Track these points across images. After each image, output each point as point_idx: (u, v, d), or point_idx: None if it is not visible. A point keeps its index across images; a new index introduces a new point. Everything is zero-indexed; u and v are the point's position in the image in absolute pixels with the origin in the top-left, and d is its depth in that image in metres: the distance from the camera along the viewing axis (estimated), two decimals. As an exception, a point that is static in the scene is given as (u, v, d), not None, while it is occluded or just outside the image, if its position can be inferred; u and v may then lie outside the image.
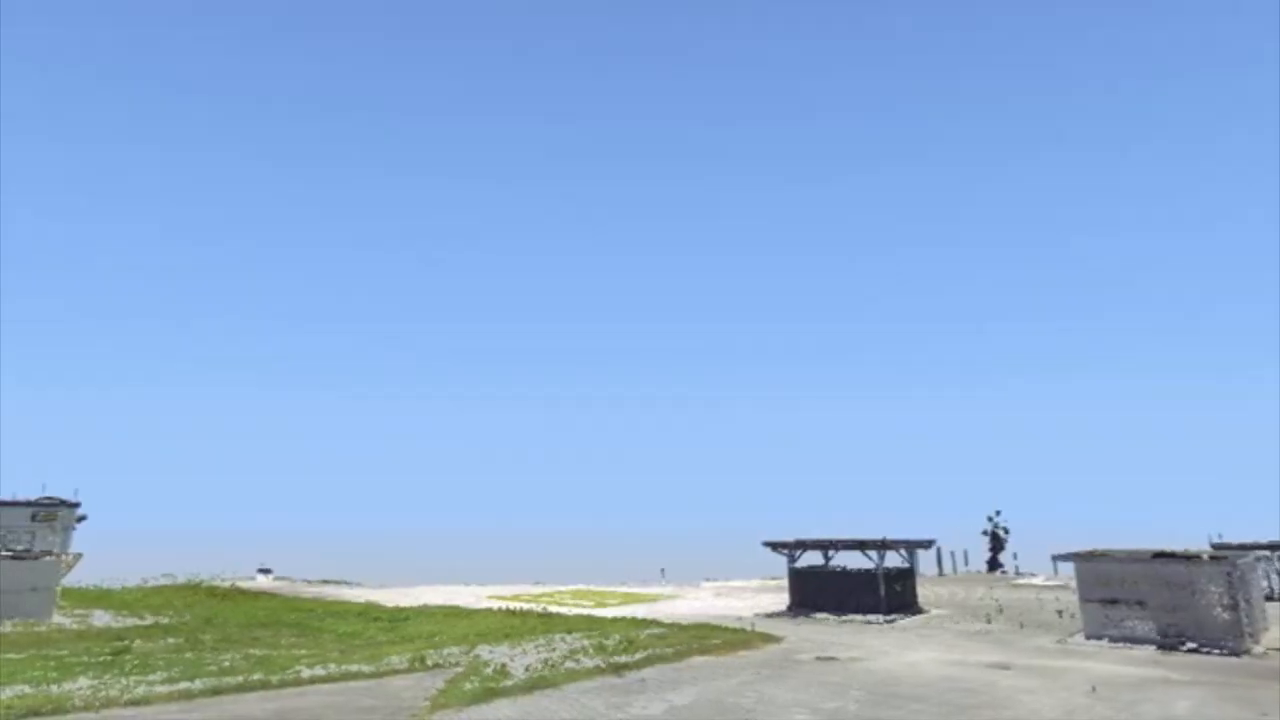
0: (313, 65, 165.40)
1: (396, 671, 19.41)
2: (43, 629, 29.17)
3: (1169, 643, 22.25)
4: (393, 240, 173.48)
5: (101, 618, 32.80)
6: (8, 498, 37.40)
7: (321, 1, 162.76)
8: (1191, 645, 21.97)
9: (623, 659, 20.71)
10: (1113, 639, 23.32)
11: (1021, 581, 49.89)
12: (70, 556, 34.94)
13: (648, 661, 20.52)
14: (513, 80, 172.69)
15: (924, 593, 40.97)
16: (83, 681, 18.38)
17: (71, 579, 52.26)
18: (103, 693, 16.98)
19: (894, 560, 32.80)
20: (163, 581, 54.85)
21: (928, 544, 32.60)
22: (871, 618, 29.45)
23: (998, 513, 64.15)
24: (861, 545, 30.95)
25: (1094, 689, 16.73)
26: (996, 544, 63.47)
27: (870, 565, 31.98)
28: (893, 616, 29.63)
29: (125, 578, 55.91)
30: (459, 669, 19.57)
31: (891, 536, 32.03)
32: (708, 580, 55.81)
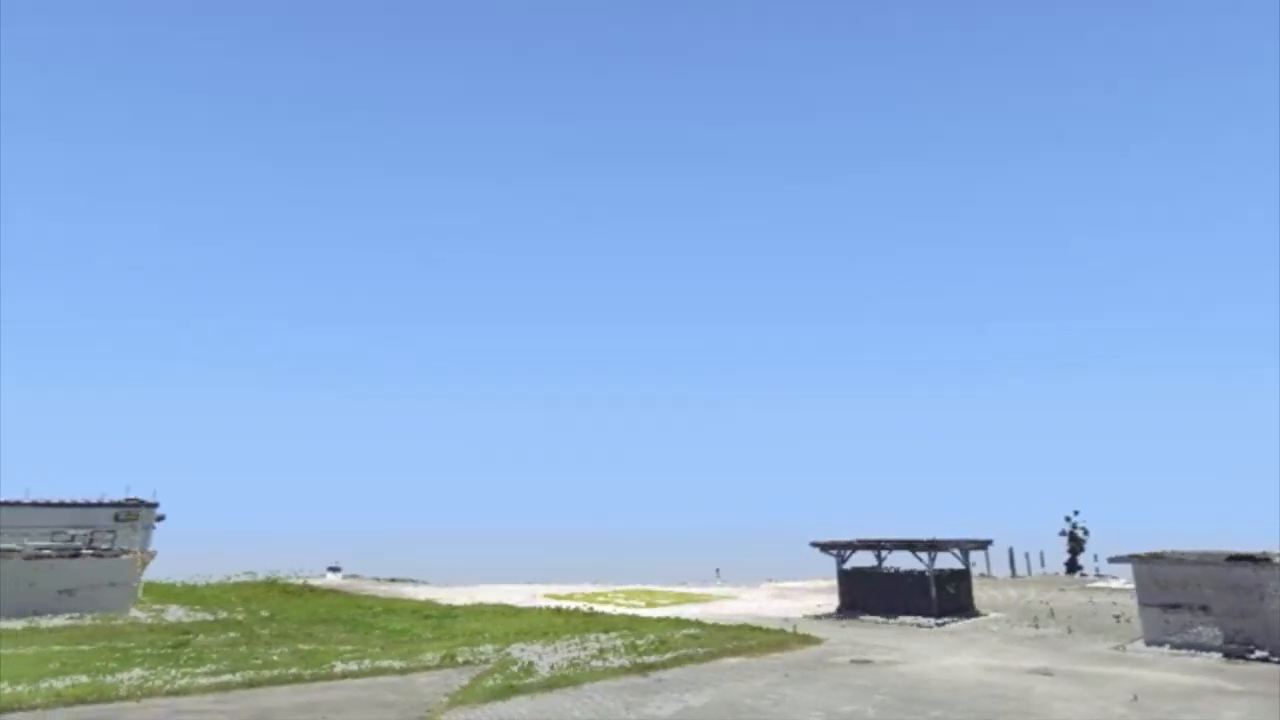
0: (313, 65, 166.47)
1: (426, 668, 19.82)
2: (119, 622, 30.90)
3: (1235, 650, 20.86)
4: (393, 240, 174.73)
5: (175, 613, 34.57)
6: (94, 498, 39.85)
7: (321, 1, 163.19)
8: (1261, 654, 20.53)
9: (652, 659, 20.64)
10: (1174, 646, 22.01)
11: (1098, 584, 47.58)
12: (145, 554, 36.95)
13: (676, 662, 20.40)
14: (513, 80, 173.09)
15: (988, 595, 39.58)
16: (136, 672, 19.39)
17: (160, 575, 55.51)
18: (150, 683, 17.88)
19: (949, 561, 31.79)
20: (244, 579, 57.62)
21: (983, 544, 31.40)
22: (922, 620, 28.56)
23: (1076, 513, 61.41)
24: (910, 545, 30.05)
25: (1135, 698, 15.81)
26: (1075, 545, 60.75)
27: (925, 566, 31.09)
28: (944, 619, 28.67)
29: (211, 574, 59.03)
30: (487, 666, 19.86)
31: (946, 537, 31.07)
32: (769, 581, 55.19)
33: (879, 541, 31.26)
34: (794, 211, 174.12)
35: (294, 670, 19.35)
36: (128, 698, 16.50)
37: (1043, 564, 61.06)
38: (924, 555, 29.69)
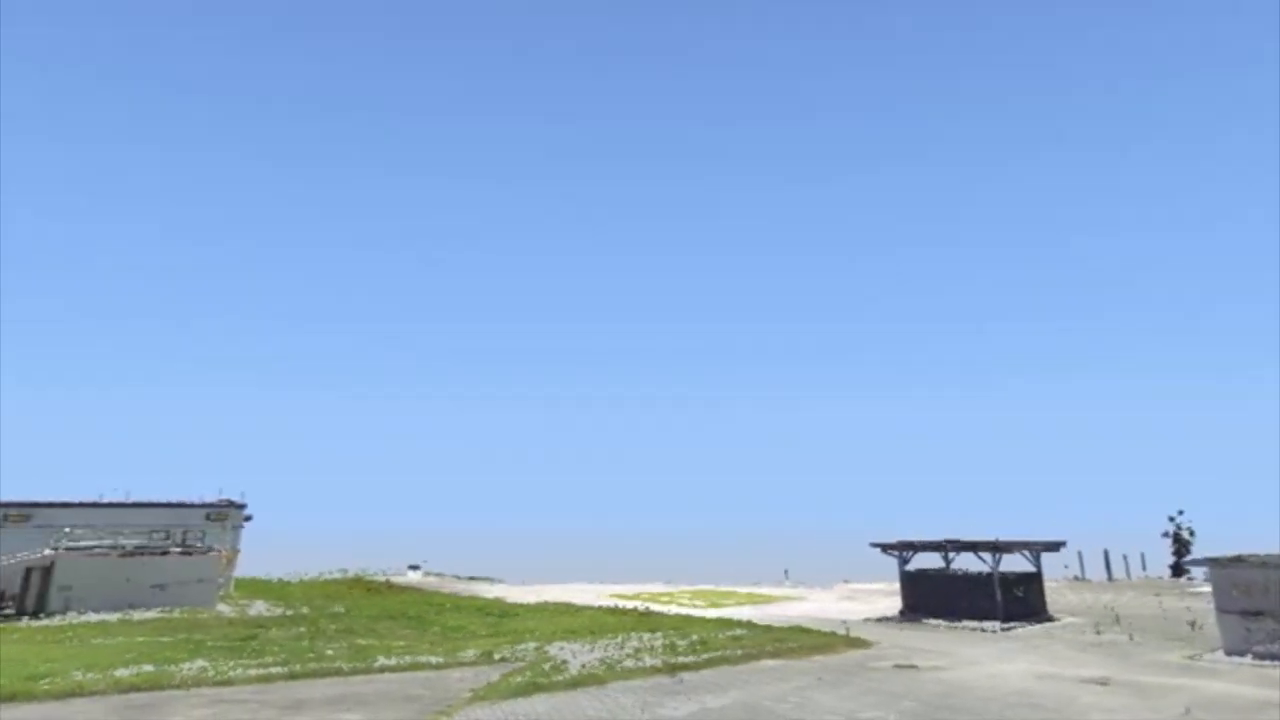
0: (313, 65, 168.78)
1: (462, 664, 20.25)
2: (204, 616, 32.88)
3: (1326, 662, 19.06)
4: (393, 240, 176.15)
5: (258, 608, 36.51)
6: (188, 499, 42.55)
7: (321, 1, 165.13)
8: (1355, 666, 18.71)
9: (686, 659, 20.48)
10: (1258, 656, 20.28)
11: (1204, 589, 44.35)
12: (230, 551, 39.17)
13: (710, 663, 20.17)
14: (513, 80, 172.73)
15: (1074, 599, 37.56)
16: (199, 663, 20.56)
17: (260, 571, 58.79)
18: (206, 674, 18.93)
19: (1020, 564, 30.31)
20: (336, 576, 60.36)
21: (1055, 546, 29.71)
22: (986, 625, 27.31)
23: (1180, 513, 57.67)
24: (973, 547, 28.78)
25: (1187, 710, 14.65)
26: (1180, 547, 56.90)
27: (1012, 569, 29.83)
28: (1011, 624, 27.31)
29: (306, 572, 62.12)
30: (521, 663, 20.13)
31: (1016, 538, 29.61)
32: (844, 582, 53.98)
33: (941, 542, 30.06)
34: (794, 211, 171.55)
35: (339, 664, 20.14)
36: (178, 686, 17.52)
37: (1144, 567, 57.50)
38: (988, 556, 28.36)
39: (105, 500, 40.05)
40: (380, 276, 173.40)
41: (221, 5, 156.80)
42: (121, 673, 18.87)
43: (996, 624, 27.24)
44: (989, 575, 28.44)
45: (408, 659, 20.78)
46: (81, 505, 39.27)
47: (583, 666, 19.55)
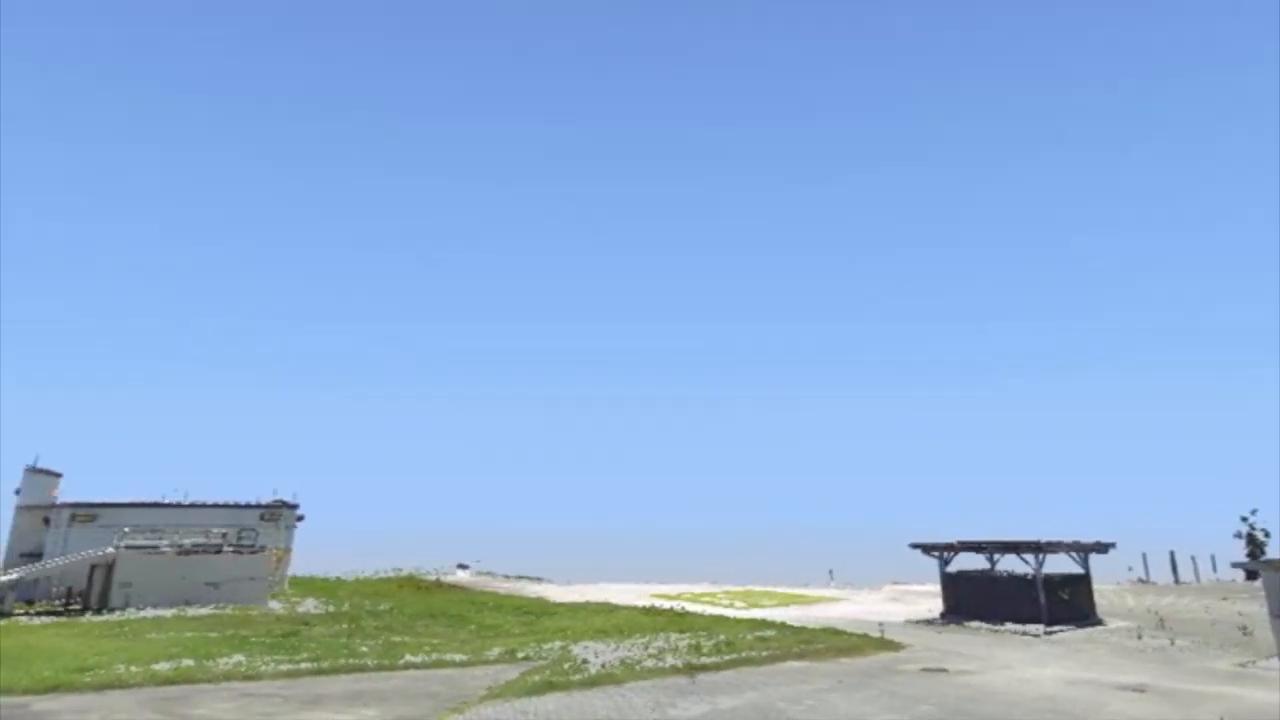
0: (313, 65, 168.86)
1: (486, 662, 20.51)
2: (255, 612, 34.01)
3: (1388, 671, 17.91)
4: (393, 240, 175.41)
5: (307, 605, 37.57)
6: (243, 500, 44.08)
7: (321, 1, 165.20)
8: None
9: (708, 660, 20.36)
10: (1315, 664, 19.19)
11: (1277, 593, 42.09)
12: (280, 550, 40.41)
13: (733, 664, 20.01)
14: (513, 80, 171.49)
15: (1132, 602, 36.14)
16: (237, 658, 21.28)
17: (319, 570, 60.54)
18: (240, 668, 19.58)
19: (1068, 565, 29.29)
20: (390, 575, 61.81)
21: (1104, 547, 28.58)
22: (1029, 628, 26.44)
23: (1253, 512, 54.82)
24: (1015, 548, 27.88)
25: (1220, 721, 13.95)
26: (1255, 549, 54.09)
27: (1058, 570, 28.93)
28: (1056, 628, 26.38)
29: (362, 570, 63.83)
30: (542, 662, 20.28)
31: (1060, 539, 28.62)
32: (893, 584, 52.98)
33: (982, 543, 29.20)
34: (794, 211, 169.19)
35: (366, 660, 20.60)
36: (210, 680, 18.15)
37: (1214, 569, 54.88)
38: (1030, 558, 27.46)
39: (165, 501, 41.77)
40: (380, 276, 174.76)
41: (221, 5, 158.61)
42: (161, 666, 19.65)
43: (1040, 628, 26.35)
44: (1032, 577, 27.52)
45: (433, 656, 21.15)
46: (144, 506, 41.04)
47: (603, 666, 19.60)
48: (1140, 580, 53.35)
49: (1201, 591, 44.22)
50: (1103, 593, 40.77)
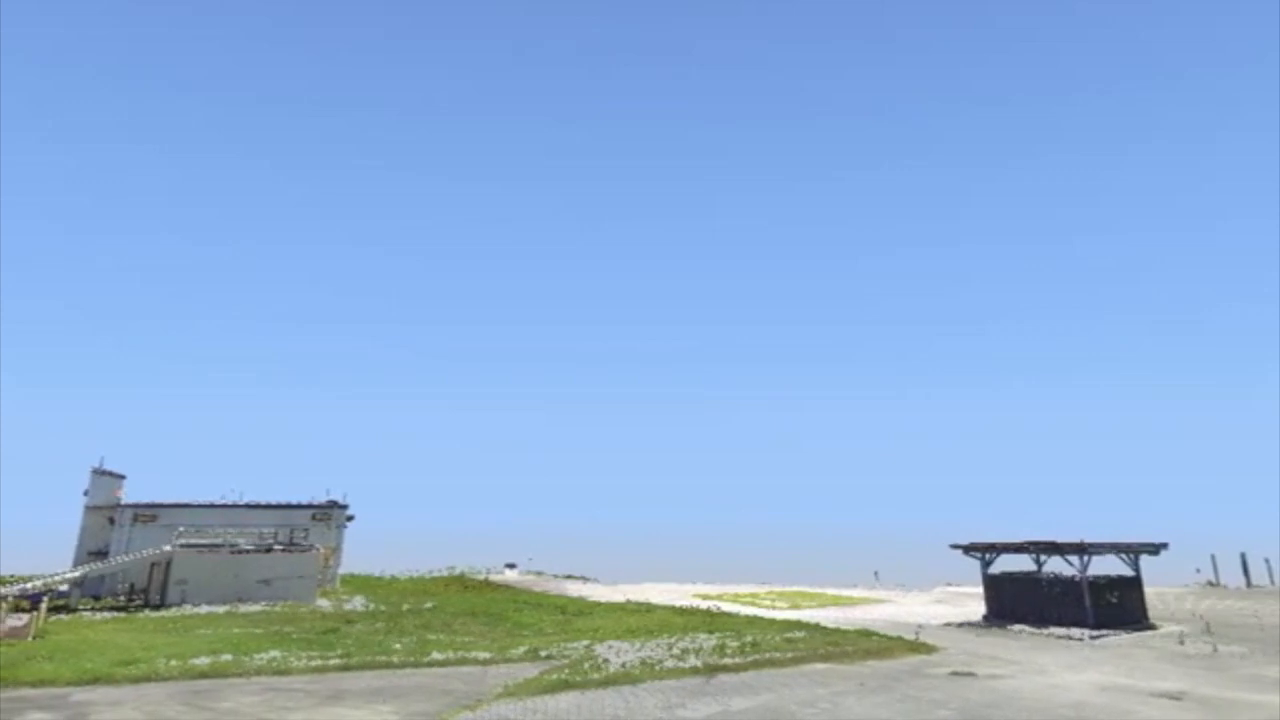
0: (313, 65, 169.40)
1: (509, 660, 20.72)
2: (303, 610, 35.00)
3: None
4: (393, 240, 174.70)
5: (356, 602, 38.51)
6: (295, 500, 45.43)
7: (321, 1, 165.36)
8: None
9: (730, 660, 20.20)
10: (1376, 672, 18.04)
11: (1358, 597, 39.80)
12: (329, 549, 41.51)
13: (755, 665, 19.81)
14: (513, 80, 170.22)
15: (1189, 606, 34.56)
16: (273, 653, 21.94)
17: (374, 568, 62.08)
18: (272, 664, 20.20)
19: (1117, 568, 28.19)
20: (443, 573, 63.04)
21: (1155, 548, 27.38)
22: (1075, 632, 25.49)
23: (1336, 512, 51.71)
24: (1059, 548, 26.91)
25: (1254, 731, 13.23)
26: (1337, 550, 51.11)
27: (1115, 571, 27.95)
28: (1102, 632, 25.39)
29: (416, 569, 65.29)
30: (564, 661, 20.40)
31: (1109, 540, 27.56)
32: (946, 585, 51.75)
33: (1023, 544, 28.27)
34: (794, 211, 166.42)
35: (394, 657, 21.01)
36: (242, 674, 18.77)
37: (1291, 571, 51.94)
38: (1074, 559, 26.48)
39: (222, 502, 43.36)
40: (380, 276, 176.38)
41: (221, 5, 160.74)
42: (200, 660, 20.39)
43: (1085, 632, 25.40)
44: (1078, 579, 26.54)
45: (459, 654, 21.45)
46: (201, 506, 42.68)
47: (622, 665, 19.62)
48: (1210, 583, 50.96)
49: (1273, 596, 41.99)
50: (1163, 596, 39.10)
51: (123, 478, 43.37)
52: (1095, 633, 25.26)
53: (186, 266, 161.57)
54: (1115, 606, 26.47)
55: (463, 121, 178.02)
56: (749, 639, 23.46)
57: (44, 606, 27.99)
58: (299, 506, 44.87)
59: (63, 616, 31.84)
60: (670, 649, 22.13)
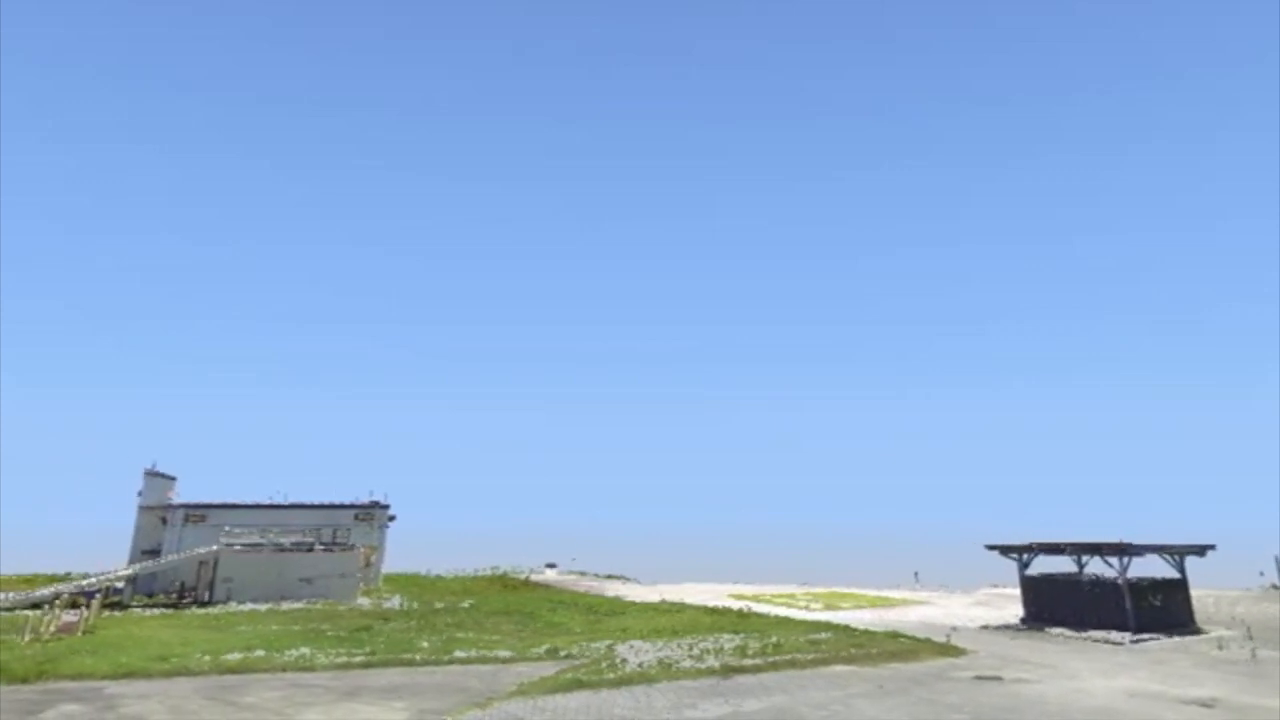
0: (313, 65, 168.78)
1: (528, 659, 20.88)
2: (342, 608, 35.79)
3: None
4: (394, 240, 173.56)
5: (394, 601, 39.23)
6: (338, 501, 46.49)
7: (321, 1, 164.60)
8: None
9: (750, 661, 20.05)
10: None
11: None
12: (368, 548, 42.35)
13: (774, 666, 19.62)
14: (513, 80, 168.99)
15: (1244, 610, 33.13)
16: (304, 649, 22.51)
17: (421, 567, 63.24)
18: (300, 660, 20.71)
19: (1163, 569, 27.20)
20: (486, 573, 63.87)
21: (1201, 549, 26.31)
22: (1114, 636, 24.65)
23: None
24: (1098, 549, 26.04)
25: (1283, 741, 12.63)
26: None
27: (1157, 574, 27.05)
28: (1144, 636, 24.49)
29: (462, 568, 66.31)
30: (583, 660, 20.48)
31: (1153, 541, 26.59)
32: (992, 586, 50.57)
33: (1061, 545, 27.44)
34: (794, 211, 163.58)
35: (418, 656, 21.35)
36: (270, 670, 19.29)
37: (1364, 575, 49.34)
38: (1114, 560, 25.61)
39: (268, 502, 44.58)
40: (379, 277, 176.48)
41: (221, 5, 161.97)
42: (233, 656, 21.02)
43: (1126, 635, 24.54)
44: (1116, 582, 25.66)
45: (481, 653, 21.70)
46: (248, 507, 43.96)
47: (639, 665, 19.62)
48: (1275, 586, 48.75)
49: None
50: (1218, 599, 37.58)
51: (173, 479, 44.91)
52: (1136, 636, 24.40)
53: (186, 266, 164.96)
54: (1158, 609, 25.52)
55: (463, 121, 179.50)
56: (773, 640, 23.25)
57: (96, 603, 29.13)
58: (342, 507, 45.90)
59: (116, 613, 33.11)
60: (690, 649, 22.06)
